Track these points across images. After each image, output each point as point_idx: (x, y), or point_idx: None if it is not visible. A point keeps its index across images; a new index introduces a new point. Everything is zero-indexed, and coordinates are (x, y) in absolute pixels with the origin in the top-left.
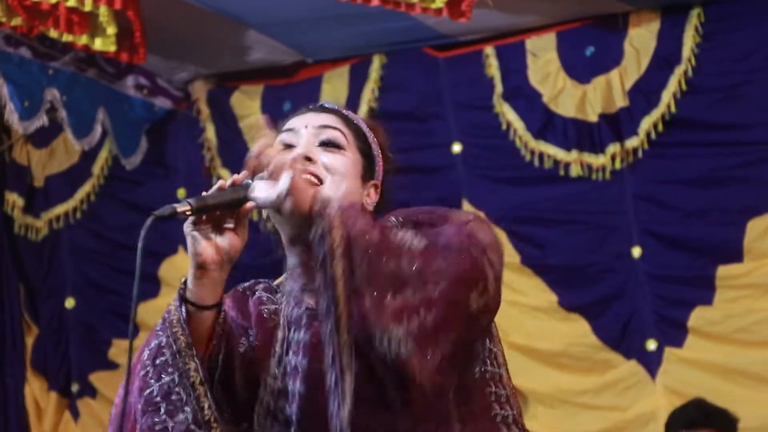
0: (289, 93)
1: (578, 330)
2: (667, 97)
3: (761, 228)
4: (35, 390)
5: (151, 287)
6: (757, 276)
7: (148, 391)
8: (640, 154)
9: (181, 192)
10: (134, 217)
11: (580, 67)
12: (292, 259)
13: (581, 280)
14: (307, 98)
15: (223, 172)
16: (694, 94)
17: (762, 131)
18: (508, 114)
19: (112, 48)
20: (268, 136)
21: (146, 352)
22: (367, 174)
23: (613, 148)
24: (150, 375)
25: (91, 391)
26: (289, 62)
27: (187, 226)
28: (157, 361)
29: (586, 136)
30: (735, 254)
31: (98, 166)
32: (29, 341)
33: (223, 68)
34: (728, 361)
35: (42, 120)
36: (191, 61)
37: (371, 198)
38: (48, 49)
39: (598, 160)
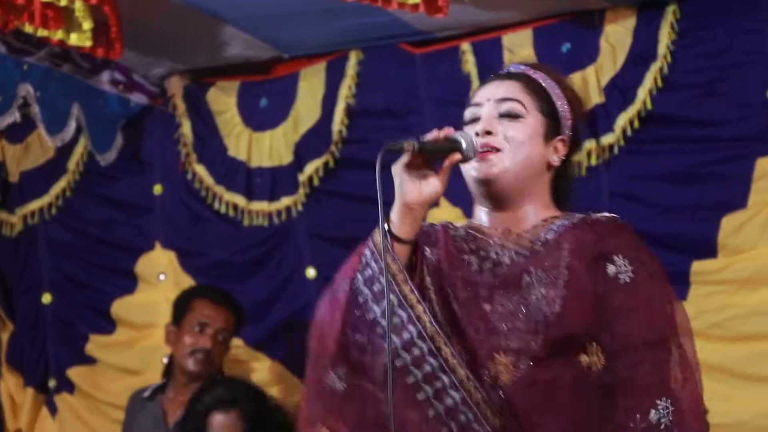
0: (266, 89)
1: None
2: (642, 93)
3: (736, 224)
4: (11, 386)
5: (128, 283)
6: (731, 272)
7: (370, 314)
8: (615, 150)
9: (157, 188)
10: (110, 212)
11: (557, 63)
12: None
13: None
14: (284, 95)
15: (199, 167)
16: (669, 91)
17: (737, 127)
18: None
19: (88, 43)
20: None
21: (359, 279)
22: (551, 132)
23: (588, 144)
24: (369, 300)
25: (68, 387)
26: (266, 58)
27: (398, 168)
28: (375, 288)
29: None
30: (709, 250)
31: (73, 162)
32: (4, 337)
33: (199, 64)
34: (702, 357)
35: (14, 116)
36: (167, 57)
37: (559, 152)
38: (23, 44)
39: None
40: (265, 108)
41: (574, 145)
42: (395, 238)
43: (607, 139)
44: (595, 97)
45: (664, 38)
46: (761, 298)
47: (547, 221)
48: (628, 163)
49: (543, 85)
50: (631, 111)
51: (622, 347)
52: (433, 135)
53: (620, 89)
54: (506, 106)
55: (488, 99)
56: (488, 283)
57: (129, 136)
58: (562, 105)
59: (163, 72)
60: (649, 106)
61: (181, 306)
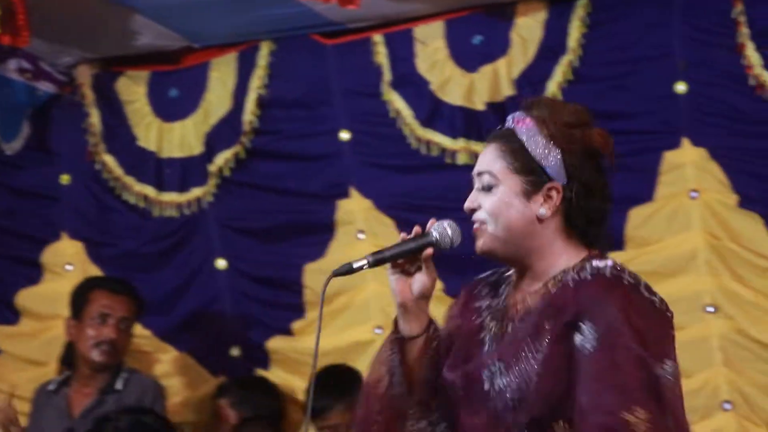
0: (176, 79)
1: None
2: (553, 86)
3: (643, 216)
4: None
5: (33, 273)
6: (638, 264)
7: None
8: None
9: (64, 178)
10: (15, 201)
11: (468, 56)
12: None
13: (467, 267)
14: (194, 84)
15: (108, 157)
16: (579, 84)
17: (646, 120)
18: (396, 102)
19: None
20: None
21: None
22: (532, 186)
23: None
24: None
25: None
26: (176, 48)
27: (388, 271)
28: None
29: (473, 124)
30: (617, 242)
31: None
32: None
33: (108, 53)
34: None
35: None
36: (76, 45)
37: (550, 202)
38: None
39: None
40: (175, 98)
41: (583, 178)
42: (403, 339)
43: None
44: (506, 90)
45: (575, 31)
46: (668, 290)
47: (556, 277)
48: None
49: (522, 138)
50: None
51: (578, 418)
52: (401, 237)
53: (531, 82)
54: (482, 181)
55: (474, 174)
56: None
57: (36, 125)
58: (543, 151)
59: (72, 60)
60: (559, 98)
61: (79, 298)
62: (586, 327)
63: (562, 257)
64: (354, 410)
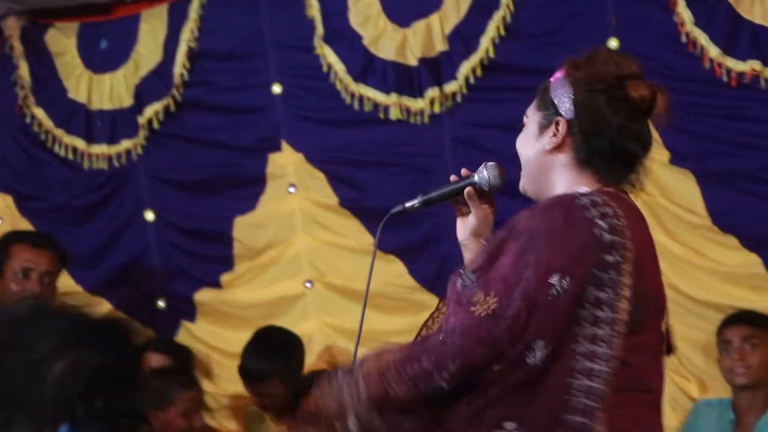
0: (106, 31)
1: (395, 271)
2: (486, 42)
3: None
4: None
5: None
6: None
7: None
8: (459, 98)
9: None
10: None
11: (401, 11)
12: None
13: (399, 222)
14: (124, 37)
15: (37, 110)
16: (512, 40)
17: None
18: (329, 56)
19: None
20: None
21: None
22: (546, 120)
23: (432, 92)
24: None
25: None
26: (107, 0)
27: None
28: None
29: (405, 79)
30: None
31: None
32: None
33: (37, 4)
34: None
35: None
36: None
37: (558, 135)
38: None
39: (417, 104)
40: (105, 50)
41: (591, 115)
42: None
43: (450, 87)
44: (438, 45)
45: None
46: None
47: None
48: (470, 111)
49: (551, 81)
50: (474, 59)
51: None
52: (451, 178)
53: (463, 38)
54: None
55: None
56: None
57: None
58: (558, 90)
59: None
60: (491, 54)
61: (0, 254)
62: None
63: (570, 190)
64: (290, 383)
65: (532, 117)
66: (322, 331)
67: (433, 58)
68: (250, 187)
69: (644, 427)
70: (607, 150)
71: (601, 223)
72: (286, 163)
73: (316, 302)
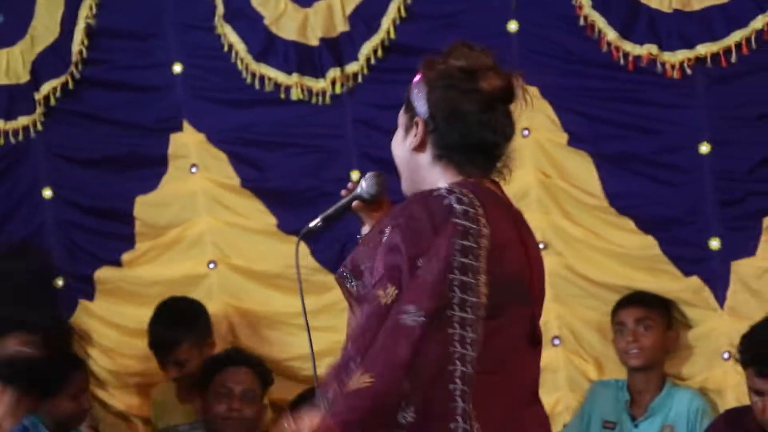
0: (2, 5)
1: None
2: (386, 23)
3: None
4: None
5: None
6: None
7: None
8: (360, 78)
9: None
10: None
11: None
12: None
13: (301, 203)
14: (21, 12)
15: None
16: (413, 21)
17: None
18: (230, 35)
19: None
20: None
21: None
22: (408, 122)
23: (333, 72)
24: None
25: None
26: None
27: None
28: None
29: (307, 60)
30: None
31: None
32: None
33: None
34: None
35: None
36: None
37: (418, 136)
38: None
39: (318, 84)
40: (1, 25)
41: (444, 111)
42: None
43: (352, 67)
44: (340, 26)
45: None
46: None
47: None
48: (371, 92)
49: (412, 82)
50: (375, 40)
51: None
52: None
53: (365, 18)
54: None
55: None
56: None
57: None
58: (415, 91)
59: None
60: (392, 35)
61: None
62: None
63: (436, 185)
64: (199, 346)
65: (400, 120)
66: (225, 312)
67: (334, 38)
68: (152, 167)
69: (506, 412)
70: (462, 142)
71: (457, 208)
72: (188, 143)
73: (220, 283)
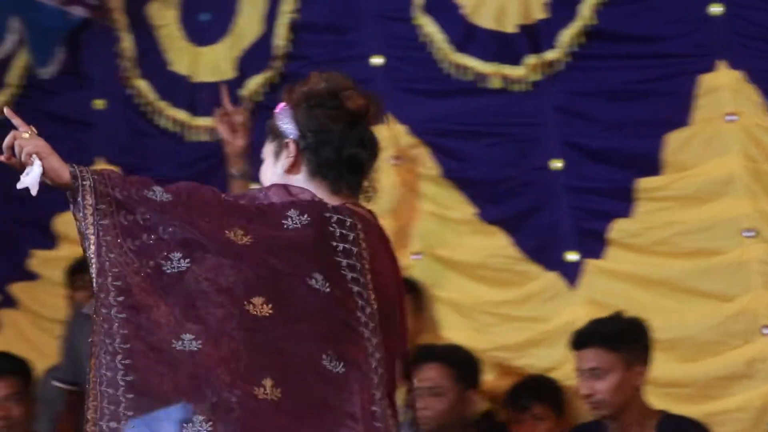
0: (207, 3)
1: (498, 242)
2: (585, 9)
3: (680, 141)
4: None
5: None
6: (675, 189)
7: None
8: (560, 66)
9: (98, 103)
10: (53, 127)
11: None
12: None
13: (501, 192)
14: (225, 9)
15: (141, 83)
16: (612, 6)
17: (679, 44)
18: (428, 26)
19: None
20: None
21: None
22: (278, 147)
23: (531, 59)
24: None
25: (11, 302)
26: None
27: None
28: None
29: (504, 47)
30: (654, 167)
31: (14, 76)
32: None
33: None
34: (647, 272)
35: None
36: None
37: (290, 156)
38: None
39: (516, 72)
40: (206, 22)
41: (312, 131)
42: None
43: (550, 54)
44: (537, 13)
45: None
46: (705, 215)
47: None
48: (572, 79)
49: (274, 113)
50: (574, 26)
51: None
52: None
53: (563, 4)
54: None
55: None
56: None
57: (69, 50)
58: (279, 115)
59: None
60: (592, 21)
61: None
62: None
63: None
64: None
65: (266, 151)
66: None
67: (532, 25)
68: None
69: None
70: (335, 158)
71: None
72: (389, 136)
73: (424, 274)
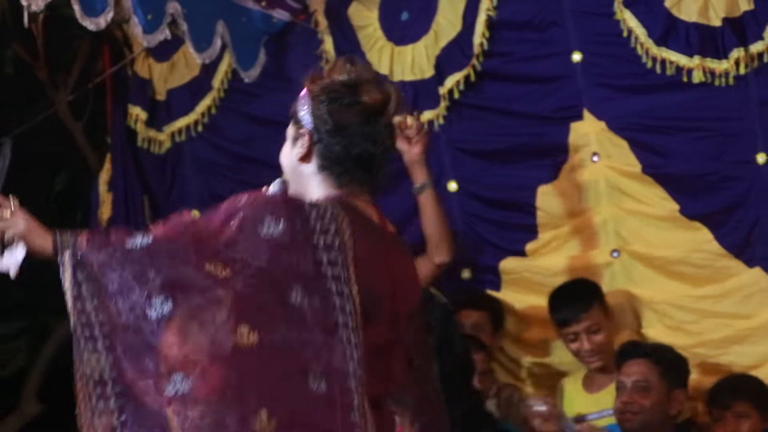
0: (407, 2)
1: (700, 238)
2: None
3: None
4: None
5: None
6: None
7: None
8: (765, 58)
9: None
10: (254, 129)
11: None
12: None
13: (703, 188)
14: (425, 7)
15: None
16: None
17: None
18: (629, 21)
19: None
20: None
21: None
22: (296, 134)
23: (737, 53)
24: None
25: None
26: None
27: None
28: None
29: (709, 41)
30: None
31: (218, 80)
32: None
33: None
34: None
35: (165, 33)
36: None
37: (303, 147)
38: None
39: (721, 66)
40: (406, 21)
41: (327, 125)
42: None
43: (756, 47)
44: (743, 4)
45: None
46: None
47: None
48: None
49: (298, 98)
50: None
51: None
52: None
53: None
54: None
55: None
56: None
57: (272, 53)
58: (300, 102)
59: None
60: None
61: None
62: None
63: (315, 196)
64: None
65: (288, 132)
66: (629, 300)
67: (738, 17)
68: (552, 157)
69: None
70: (344, 154)
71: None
72: (589, 132)
73: (623, 271)
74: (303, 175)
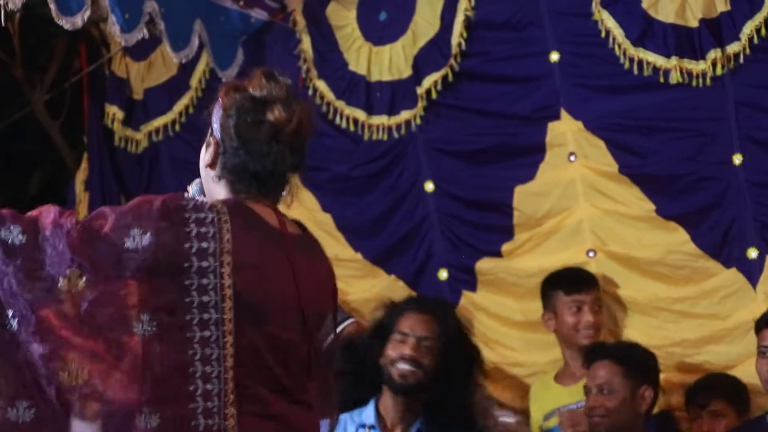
0: (385, 2)
1: (677, 239)
2: None
3: None
4: None
5: None
6: None
7: None
8: (741, 59)
9: None
10: None
11: None
12: None
13: (680, 188)
14: (403, 8)
15: (320, 83)
16: None
17: None
18: (607, 21)
19: None
20: None
21: None
22: (207, 141)
23: (714, 53)
24: None
25: None
26: None
27: None
28: None
29: (686, 41)
30: None
31: (196, 79)
32: None
33: None
34: None
35: (142, 32)
36: None
37: (210, 154)
38: None
39: (698, 66)
40: (384, 21)
41: (228, 136)
42: None
43: (733, 47)
44: (720, 5)
45: None
46: None
47: None
48: (754, 72)
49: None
50: (758, 18)
51: None
52: None
53: None
54: None
55: None
56: None
57: (250, 53)
58: (214, 110)
59: None
60: None
61: None
62: None
63: (219, 197)
64: None
65: (208, 135)
66: (605, 300)
67: (715, 18)
68: (529, 156)
69: None
70: (242, 168)
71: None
72: (566, 132)
73: (599, 271)
74: (209, 178)
